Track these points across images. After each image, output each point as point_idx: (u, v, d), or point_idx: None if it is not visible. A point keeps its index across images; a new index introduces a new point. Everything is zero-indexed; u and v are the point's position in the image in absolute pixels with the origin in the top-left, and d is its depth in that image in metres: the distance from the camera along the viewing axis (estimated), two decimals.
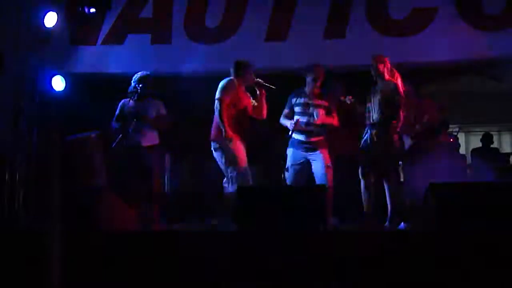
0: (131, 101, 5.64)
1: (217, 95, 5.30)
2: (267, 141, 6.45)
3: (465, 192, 4.18)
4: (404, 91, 5.67)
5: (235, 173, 5.19)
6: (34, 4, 6.16)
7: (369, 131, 5.23)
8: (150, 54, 6.51)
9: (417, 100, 5.83)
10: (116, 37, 6.61)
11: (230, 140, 5.19)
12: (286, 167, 5.52)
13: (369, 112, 5.27)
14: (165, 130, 5.70)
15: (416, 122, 5.73)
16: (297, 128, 5.42)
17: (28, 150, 6.27)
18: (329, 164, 5.39)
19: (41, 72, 6.42)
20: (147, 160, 5.49)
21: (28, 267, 4.00)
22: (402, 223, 5.17)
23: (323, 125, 5.47)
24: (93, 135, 5.38)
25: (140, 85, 5.59)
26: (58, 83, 6.43)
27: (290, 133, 5.45)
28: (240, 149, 5.27)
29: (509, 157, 7.76)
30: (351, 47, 6.12)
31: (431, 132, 5.78)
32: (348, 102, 5.34)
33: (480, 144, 7.85)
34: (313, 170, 5.42)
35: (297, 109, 5.54)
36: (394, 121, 5.14)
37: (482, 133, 8.00)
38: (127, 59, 6.51)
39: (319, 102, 5.47)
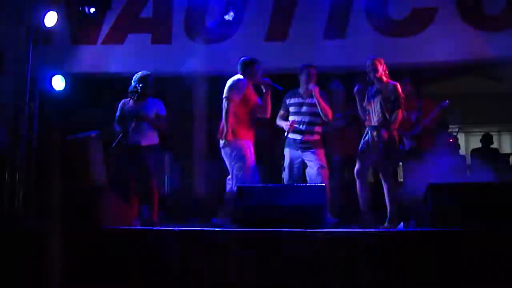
0: (131, 100, 5.64)
1: (225, 93, 5.26)
2: (266, 141, 6.45)
3: (464, 193, 4.18)
4: (404, 91, 5.68)
5: (241, 172, 5.13)
6: (34, 3, 6.17)
7: (369, 132, 5.23)
8: (150, 54, 6.52)
9: (417, 100, 5.84)
10: (116, 37, 6.62)
11: (238, 139, 5.15)
12: (283, 166, 5.55)
13: (368, 113, 5.27)
14: (164, 130, 5.70)
15: (416, 122, 5.74)
16: (292, 130, 5.46)
17: (28, 150, 6.28)
18: (324, 165, 5.40)
19: (41, 71, 6.43)
20: (146, 160, 5.48)
21: (28, 267, 4.00)
22: (402, 223, 5.18)
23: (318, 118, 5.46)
24: (93, 135, 5.38)
25: (140, 85, 5.58)
26: (58, 82, 6.44)
27: (285, 134, 5.49)
28: (248, 148, 5.22)
29: (509, 157, 7.76)
30: (351, 47, 6.13)
31: (431, 133, 5.79)
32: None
33: (480, 145, 7.85)
34: (307, 171, 5.43)
35: (291, 109, 5.57)
36: (394, 122, 5.14)
37: (482, 133, 8.00)
38: (127, 59, 6.52)
39: (313, 101, 5.47)
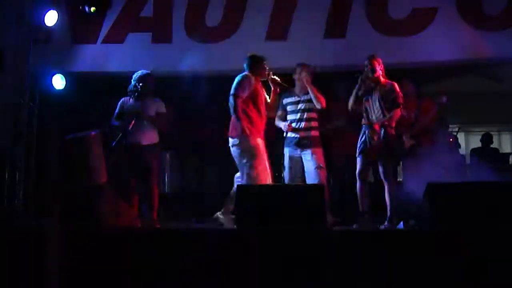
0: (131, 99, 5.65)
1: (232, 91, 5.19)
2: (266, 140, 6.45)
3: (464, 192, 4.18)
4: (405, 90, 5.69)
5: (253, 170, 5.05)
6: (35, 2, 6.17)
7: (366, 131, 5.24)
8: (150, 53, 6.51)
9: (417, 100, 5.84)
10: (117, 36, 6.62)
11: (248, 137, 5.07)
12: (283, 166, 5.56)
13: (366, 111, 5.28)
14: (164, 129, 5.70)
15: (416, 122, 5.74)
16: (290, 130, 5.49)
17: (28, 148, 6.29)
18: (322, 164, 5.41)
19: (41, 70, 6.44)
20: (146, 159, 5.49)
21: (28, 265, 4.00)
22: (402, 222, 5.18)
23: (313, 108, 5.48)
24: (93, 134, 5.38)
25: (140, 84, 5.58)
26: (58, 81, 6.46)
27: (284, 134, 5.54)
28: (260, 147, 5.15)
29: (509, 157, 7.76)
30: (351, 46, 6.13)
31: (431, 132, 5.79)
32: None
33: (479, 144, 7.85)
34: (305, 170, 5.44)
35: (288, 108, 5.62)
36: (390, 119, 5.15)
37: (482, 133, 8.00)
38: (128, 58, 6.52)
39: (309, 97, 5.48)
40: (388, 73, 5.40)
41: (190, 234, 4.29)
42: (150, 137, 5.55)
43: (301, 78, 5.48)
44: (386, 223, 5.12)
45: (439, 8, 6.10)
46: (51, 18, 6.23)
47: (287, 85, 5.49)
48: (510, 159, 7.67)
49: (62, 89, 6.47)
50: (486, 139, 7.75)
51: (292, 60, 5.85)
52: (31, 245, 4.10)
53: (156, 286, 3.96)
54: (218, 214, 5.24)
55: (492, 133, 8.07)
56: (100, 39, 6.63)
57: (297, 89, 5.59)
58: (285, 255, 3.88)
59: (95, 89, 6.53)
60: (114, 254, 4.07)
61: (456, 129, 7.21)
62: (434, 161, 5.07)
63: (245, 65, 5.34)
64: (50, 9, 6.21)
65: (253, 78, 5.24)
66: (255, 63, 5.32)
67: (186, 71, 6.32)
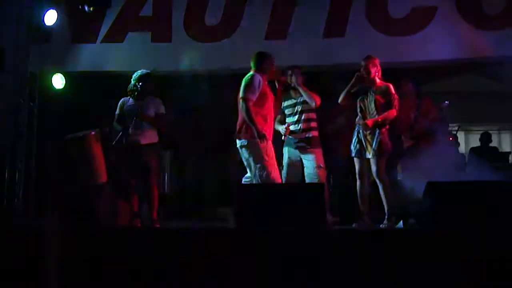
0: (130, 99, 5.65)
1: (242, 94, 5.00)
2: None
3: (464, 192, 4.18)
4: (404, 90, 5.69)
5: (264, 172, 4.92)
6: (34, 2, 6.17)
7: (361, 130, 5.24)
8: (150, 53, 6.50)
9: (417, 100, 5.84)
10: (116, 35, 6.61)
11: (263, 139, 4.92)
12: (283, 165, 5.56)
13: (362, 112, 5.29)
14: (164, 129, 5.70)
15: (416, 122, 5.74)
16: (289, 132, 5.49)
17: (28, 148, 6.29)
18: (321, 164, 5.40)
19: (41, 70, 6.44)
20: (146, 159, 5.49)
21: (28, 265, 4.00)
22: (401, 222, 5.18)
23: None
24: (92, 133, 5.38)
25: (140, 84, 5.58)
26: (58, 81, 6.45)
27: (283, 137, 5.54)
28: (270, 148, 5.02)
29: (509, 156, 7.76)
30: (351, 46, 6.11)
31: (431, 131, 5.78)
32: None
33: (479, 143, 7.86)
34: (305, 170, 5.44)
35: (287, 111, 5.62)
36: (383, 118, 5.16)
37: (482, 132, 8.01)
38: (127, 58, 6.51)
39: (304, 98, 5.47)
40: (388, 72, 5.40)
41: (190, 234, 4.29)
42: (149, 136, 5.55)
43: (292, 82, 5.47)
44: (385, 221, 5.13)
45: (438, 7, 6.09)
46: (50, 17, 6.22)
47: (292, 84, 5.47)
48: (510, 158, 7.67)
49: (62, 89, 6.47)
50: (485, 138, 7.76)
51: (292, 59, 5.85)
52: (31, 245, 4.10)
53: (156, 286, 3.96)
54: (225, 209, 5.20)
55: (492, 132, 8.08)
56: (99, 39, 6.63)
57: (293, 92, 5.58)
58: (285, 255, 3.88)
59: (95, 88, 6.52)
60: (114, 254, 4.07)
61: (456, 128, 7.21)
62: (434, 161, 5.08)
63: (252, 63, 5.18)
64: (49, 9, 6.21)
65: (261, 77, 5.07)
66: (263, 60, 5.15)
67: (185, 71, 6.32)
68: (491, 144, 7.86)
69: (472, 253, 3.76)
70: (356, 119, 5.34)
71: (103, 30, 6.63)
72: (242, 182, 5.25)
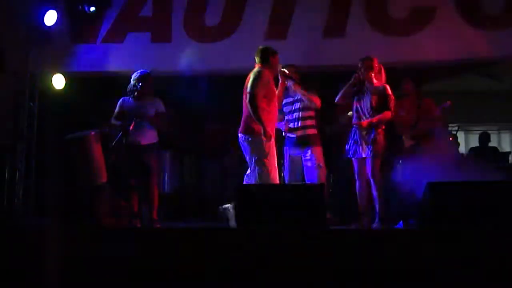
0: (130, 99, 5.65)
1: (249, 89, 4.93)
2: None
3: (464, 192, 4.18)
4: (404, 90, 5.69)
5: (264, 169, 4.90)
6: (34, 2, 6.17)
7: (357, 131, 5.25)
8: (150, 53, 6.51)
9: (417, 100, 5.84)
10: (116, 36, 6.61)
11: (269, 138, 4.90)
12: (283, 165, 5.57)
13: (358, 112, 5.30)
14: (164, 129, 5.71)
15: (416, 122, 5.74)
16: (287, 129, 5.51)
17: (28, 148, 6.29)
18: (321, 163, 5.41)
19: (41, 70, 6.44)
20: (146, 159, 5.49)
21: (28, 265, 4.00)
22: (401, 222, 5.19)
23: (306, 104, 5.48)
24: (92, 133, 5.38)
25: (140, 84, 5.59)
26: (58, 81, 6.46)
27: (283, 134, 5.55)
28: (273, 146, 4.99)
29: (509, 156, 7.76)
30: (350, 46, 6.12)
31: (430, 131, 5.78)
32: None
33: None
34: (304, 169, 5.44)
35: (285, 109, 5.63)
36: (378, 118, 5.16)
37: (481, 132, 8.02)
38: (127, 58, 6.51)
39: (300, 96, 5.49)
40: (388, 72, 5.40)
41: (190, 234, 4.29)
42: (149, 136, 5.56)
43: (288, 85, 5.47)
44: (376, 221, 5.11)
45: (438, 8, 6.10)
46: (50, 18, 6.23)
47: (295, 79, 5.46)
48: (510, 158, 7.67)
49: (62, 89, 6.48)
50: (484, 138, 7.76)
51: (292, 59, 5.85)
52: (31, 245, 4.10)
53: (156, 286, 3.96)
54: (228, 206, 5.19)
55: (491, 132, 8.08)
56: (99, 39, 6.63)
57: (290, 90, 5.58)
58: (285, 255, 3.88)
59: (95, 89, 6.53)
60: (114, 254, 4.07)
61: (456, 128, 7.22)
62: (434, 161, 5.08)
63: (257, 59, 5.12)
64: (49, 9, 6.21)
65: (267, 73, 5.03)
66: (269, 56, 5.09)
67: (185, 71, 6.32)
68: (490, 144, 7.86)
69: (472, 253, 3.76)
70: (352, 120, 5.34)
71: (103, 30, 6.63)
72: (245, 178, 5.23)
